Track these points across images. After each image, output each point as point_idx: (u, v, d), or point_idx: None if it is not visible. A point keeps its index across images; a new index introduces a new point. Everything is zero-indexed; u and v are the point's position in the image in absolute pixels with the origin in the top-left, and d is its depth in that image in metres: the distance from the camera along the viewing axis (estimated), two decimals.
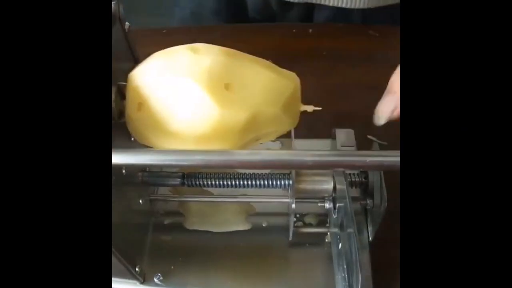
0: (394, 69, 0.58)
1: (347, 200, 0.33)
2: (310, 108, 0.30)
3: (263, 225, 0.41)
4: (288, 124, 0.30)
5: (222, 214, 0.41)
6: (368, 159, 0.28)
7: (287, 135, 0.35)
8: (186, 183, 0.38)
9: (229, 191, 0.40)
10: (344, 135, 0.40)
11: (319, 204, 0.37)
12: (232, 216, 0.41)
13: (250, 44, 0.58)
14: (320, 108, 0.30)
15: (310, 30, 0.59)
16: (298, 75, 0.55)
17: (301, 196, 0.36)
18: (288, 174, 0.36)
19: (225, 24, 0.63)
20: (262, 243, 0.40)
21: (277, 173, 0.36)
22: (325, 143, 0.43)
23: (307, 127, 0.45)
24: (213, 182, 0.37)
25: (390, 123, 0.52)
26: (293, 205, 0.34)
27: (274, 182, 0.36)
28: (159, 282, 0.38)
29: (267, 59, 0.62)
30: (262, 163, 0.27)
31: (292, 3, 0.58)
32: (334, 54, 0.56)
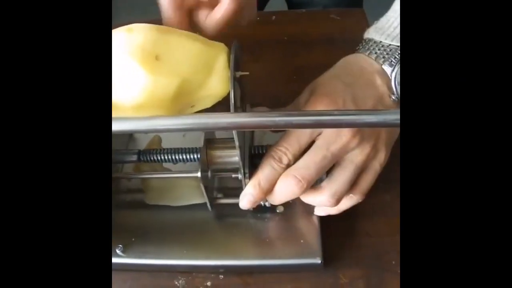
0: (349, 48, 0.58)
1: (242, 171, 0.36)
2: (238, 74, 0.32)
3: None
4: (219, 89, 0.32)
5: (179, 189, 0.43)
6: (369, 118, 0.29)
7: None
8: (142, 158, 0.41)
9: (187, 167, 0.43)
10: None
11: (233, 176, 0.39)
12: (188, 191, 0.43)
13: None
14: (247, 73, 0.33)
15: (274, 17, 0.61)
16: (260, 60, 0.57)
17: (214, 168, 0.39)
18: (197, 148, 0.39)
19: None
20: (216, 215, 0.42)
21: (187, 148, 0.39)
22: None
23: (269, 106, 0.48)
24: (162, 157, 0.40)
25: None
26: (199, 175, 0.36)
27: (184, 157, 0.39)
28: (120, 253, 0.40)
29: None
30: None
31: None
32: (295, 39, 0.58)
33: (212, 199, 0.41)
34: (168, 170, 0.45)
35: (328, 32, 0.58)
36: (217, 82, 0.31)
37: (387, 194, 0.45)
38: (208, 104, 0.33)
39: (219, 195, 0.43)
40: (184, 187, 0.43)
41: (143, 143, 0.47)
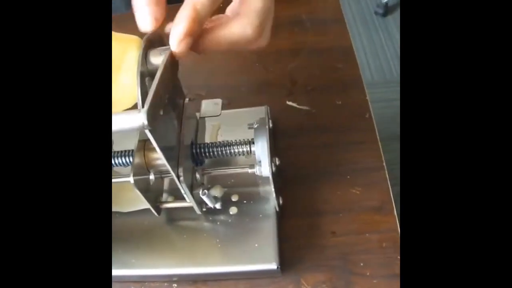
0: (319, 30, 0.55)
1: (174, 175, 0.32)
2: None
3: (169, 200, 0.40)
4: (132, 88, 0.28)
5: (127, 194, 0.40)
6: None
7: None
8: None
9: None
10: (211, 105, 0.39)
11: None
12: (136, 195, 0.40)
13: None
14: None
15: None
16: None
17: (157, 170, 0.36)
18: (130, 151, 0.36)
19: None
20: (167, 220, 0.39)
21: (120, 151, 0.36)
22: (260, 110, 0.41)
23: (227, 98, 0.44)
24: None
25: (310, 90, 0.50)
26: (132, 180, 0.33)
27: (116, 161, 0.36)
28: None
29: None
30: None
31: None
32: None
33: (159, 203, 0.38)
34: (118, 174, 0.41)
35: (295, 13, 0.54)
36: (129, 80, 0.28)
37: (355, 186, 0.41)
38: (126, 105, 0.29)
39: (170, 198, 0.40)
40: (132, 191, 0.40)
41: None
